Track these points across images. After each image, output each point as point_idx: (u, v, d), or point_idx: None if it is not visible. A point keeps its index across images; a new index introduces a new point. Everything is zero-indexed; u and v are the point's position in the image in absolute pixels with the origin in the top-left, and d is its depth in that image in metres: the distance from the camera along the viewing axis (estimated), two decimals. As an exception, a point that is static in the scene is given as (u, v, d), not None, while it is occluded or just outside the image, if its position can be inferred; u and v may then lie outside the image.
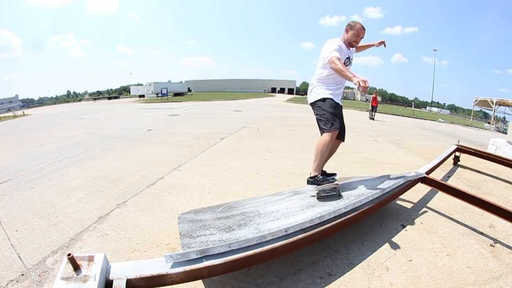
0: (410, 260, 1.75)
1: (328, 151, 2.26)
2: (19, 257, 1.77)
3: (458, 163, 4.11)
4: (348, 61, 2.30)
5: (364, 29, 2.27)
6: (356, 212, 1.83)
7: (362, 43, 2.43)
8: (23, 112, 23.21)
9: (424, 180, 2.52)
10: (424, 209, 2.52)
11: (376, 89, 16.55)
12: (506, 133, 7.99)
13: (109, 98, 46.56)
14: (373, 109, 13.35)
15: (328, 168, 3.85)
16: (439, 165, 3.32)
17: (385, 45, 2.54)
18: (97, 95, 63.10)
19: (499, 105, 24.43)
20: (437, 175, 3.37)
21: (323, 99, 2.27)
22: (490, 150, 5.56)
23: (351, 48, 2.35)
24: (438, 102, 69.02)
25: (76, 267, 1.07)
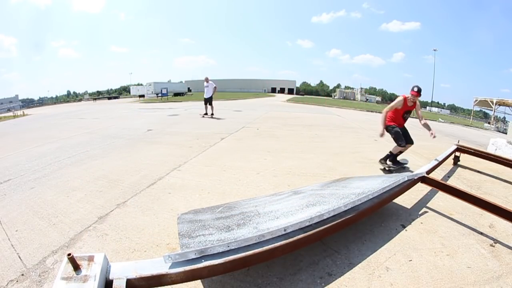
0: (410, 260, 1.75)
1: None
2: (19, 257, 1.77)
3: (458, 163, 4.11)
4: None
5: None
6: (356, 212, 1.83)
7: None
8: (23, 112, 23.19)
9: (424, 180, 2.52)
10: (424, 209, 2.52)
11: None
12: (506, 133, 7.97)
13: (109, 98, 46.55)
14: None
15: (328, 168, 3.89)
16: (439, 165, 3.33)
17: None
18: (97, 95, 63.09)
19: (499, 105, 24.42)
20: (437, 175, 3.37)
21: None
22: (490, 150, 5.56)
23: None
24: (438, 102, 69.00)
25: (76, 267, 1.07)
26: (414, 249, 1.88)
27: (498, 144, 5.58)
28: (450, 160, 3.98)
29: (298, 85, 78.11)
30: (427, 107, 49.75)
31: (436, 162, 3.15)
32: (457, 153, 4.07)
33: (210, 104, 10.08)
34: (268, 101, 27.10)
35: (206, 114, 10.10)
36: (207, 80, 10.13)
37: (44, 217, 2.32)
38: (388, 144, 6.00)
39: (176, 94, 37.91)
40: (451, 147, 4.03)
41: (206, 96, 10.13)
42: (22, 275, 1.61)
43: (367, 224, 2.19)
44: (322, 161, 4.21)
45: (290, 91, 69.70)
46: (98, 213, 2.37)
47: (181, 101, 24.54)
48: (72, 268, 1.07)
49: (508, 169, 3.71)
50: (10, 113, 22.70)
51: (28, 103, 53.65)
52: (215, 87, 10.14)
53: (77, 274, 1.06)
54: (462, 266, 1.71)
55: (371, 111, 20.73)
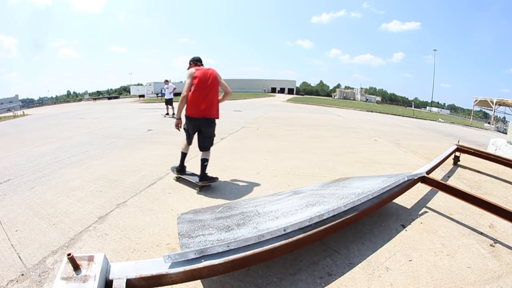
0: (410, 260, 1.75)
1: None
2: (19, 257, 1.77)
3: (458, 163, 4.11)
4: None
5: None
6: (356, 212, 1.83)
7: None
8: (23, 112, 23.15)
9: (424, 180, 2.52)
10: (424, 209, 2.52)
11: None
12: (506, 133, 7.97)
13: (109, 98, 46.43)
14: None
15: (328, 168, 3.88)
16: (439, 165, 3.33)
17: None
18: (97, 95, 63.02)
19: (499, 105, 24.41)
20: (437, 175, 3.37)
21: None
22: (490, 150, 5.56)
23: None
24: (438, 102, 69.03)
25: (76, 267, 1.07)
26: (414, 249, 1.88)
27: (498, 144, 5.58)
28: (450, 160, 3.98)
29: (298, 85, 78.27)
30: (427, 107, 49.68)
31: (436, 162, 3.15)
32: (457, 153, 4.07)
33: (171, 104, 10.56)
34: (268, 101, 27.09)
35: (167, 114, 10.48)
36: (166, 82, 10.60)
37: (44, 217, 2.32)
38: (388, 144, 6.02)
39: (176, 94, 37.82)
40: (451, 147, 4.03)
41: (166, 97, 10.63)
42: (22, 275, 1.61)
43: (367, 224, 2.19)
44: (322, 161, 4.21)
45: (290, 91, 69.69)
46: (98, 213, 2.37)
47: (181, 101, 24.49)
48: (72, 268, 1.07)
49: (508, 169, 3.71)
50: (10, 113, 22.67)
51: (28, 103, 53.54)
52: (174, 88, 10.65)
53: (77, 274, 1.06)
54: (462, 266, 1.71)
55: (371, 111, 20.74)
